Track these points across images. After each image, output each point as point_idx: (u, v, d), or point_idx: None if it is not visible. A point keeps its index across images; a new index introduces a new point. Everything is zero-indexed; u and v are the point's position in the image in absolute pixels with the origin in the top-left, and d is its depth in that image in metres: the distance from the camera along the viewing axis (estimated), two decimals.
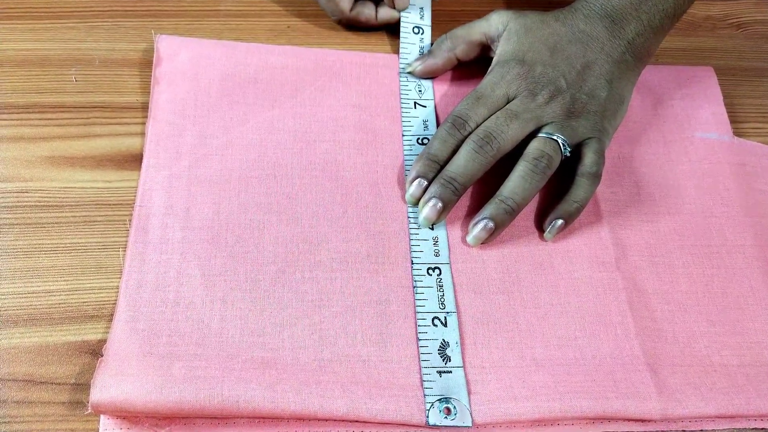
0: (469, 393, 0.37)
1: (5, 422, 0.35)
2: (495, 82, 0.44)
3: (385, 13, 0.52)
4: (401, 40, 0.51)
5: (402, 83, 0.49)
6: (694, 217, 0.46)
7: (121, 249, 0.40)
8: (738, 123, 0.51)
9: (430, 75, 0.50)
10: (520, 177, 0.42)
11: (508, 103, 0.44)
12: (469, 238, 0.42)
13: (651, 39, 0.46)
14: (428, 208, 0.42)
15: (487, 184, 0.44)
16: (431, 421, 0.36)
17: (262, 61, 0.49)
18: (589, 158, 0.43)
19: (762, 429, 0.39)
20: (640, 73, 0.48)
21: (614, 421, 0.38)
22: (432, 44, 0.50)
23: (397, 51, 0.51)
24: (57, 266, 0.39)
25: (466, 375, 0.38)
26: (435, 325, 0.39)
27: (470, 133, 0.43)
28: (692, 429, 0.38)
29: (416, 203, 0.43)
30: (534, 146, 0.43)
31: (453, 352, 0.38)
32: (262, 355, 0.37)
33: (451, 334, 0.39)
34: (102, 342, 0.37)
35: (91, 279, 0.39)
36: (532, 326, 0.40)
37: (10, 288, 0.39)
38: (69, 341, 0.37)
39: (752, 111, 0.53)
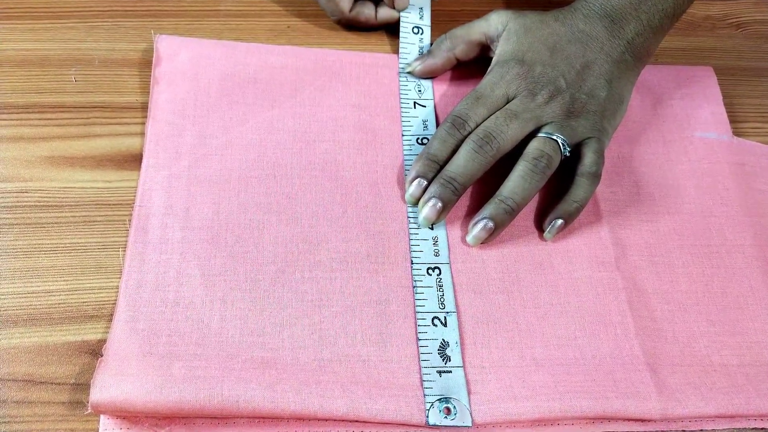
0: (469, 393, 0.37)
1: (5, 422, 0.35)
2: (494, 82, 0.44)
3: (384, 13, 0.52)
4: (401, 40, 0.51)
5: (401, 83, 0.49)
6: (693, 217, 0.46)
7: (120, 249, 0.40)
8: (737, 123, 0.51)
9: (430, 75, 0.50)
10: (520, 177, 0.42)
11: (507, 103, 0.44)
12: (469, 238, 0.42)
13: (650, 39, 0.46)
14: (428, 208, 0.42)
15: (486, 183, 0.44)
16: (431, 421, 0.36)
17: (262, 61, 0.49)
18: (588, 158, 0.43)
19: (762, 429, 0.39)
20: (640, 72, 0.48)
21: (614, 421, 0.38)
22: (431, 44, 0.50)
23: (396, 51, 0.51)
24: (57, 266, 0.39)
25: (466, 375, 0.38)
26: (435, 325, 0.39)
27: (470, 133, 0.43)
28: (692, 429, 0.38)
29: (416, 203, 0.43)
30: (534, 146, 0.43)
31: (453, 351, 0.38)
32: (262, 355, 0.37)
33: (450, 334, 0.39)
34: (102, 342, 0.37)
35: (90, 279, 0.39)
36: (531, 326, 0.40)
37: (10, 288, 0.39)
38: (69, 341, 0.37)
39: (751, 111, 0.53)
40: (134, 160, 0.44)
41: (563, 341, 0.40)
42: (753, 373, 0.40)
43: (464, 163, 0.42)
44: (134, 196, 0.42)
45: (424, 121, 0.48)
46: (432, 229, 0.43)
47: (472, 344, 0.39)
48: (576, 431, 0.37)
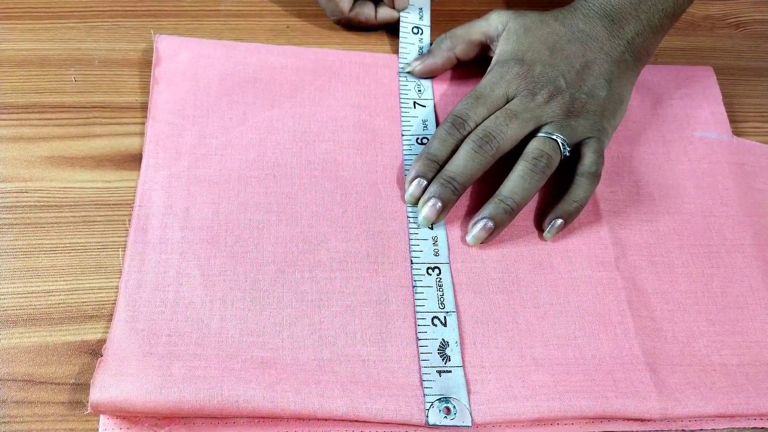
0: (468, 392, 0.37)
1: (5, 422, 0.35)
2: (494, 81, 0.44)
3: (384, 13, 0.52)
4: (400, 40, 0.51)
5: (401, 83, 0.49)
6: (693, 217, 0.46)
7: (120, 249, 0.40)
8: (737, 122, 0.51)
9: (430, 74, 0.50)
10: (520, 176, 0.42)
11: (507, 102, 0.44)
12: (469, 238, 0.42)
13: (650, 38, 0.46)
14: (428, 208, 0.42)
15: (486, 183, 0.44)
16: (431, 421, 0.36)
17: (262, 61, 0.49)
18: (588, 158, 0.43)
19: (762, 428, 0.39)
20: (640, 72, 0.48)
21: (614, 421, 0.38)
22: (431, 44, 0.50)
23: (396, 51, 0.51)
24: (56, 266, 0.39)
25: (465, 374, 0.38)
26: (434, 325, 0.39)
27: (470, 133, 0.43)
28: (692, 428, 0.38)
29: (416, 203, 0.43)
30: (533, 146, 0.43)
31: (452, 351, 0.38)
32: (262, 355, 0.37)
33: (450, 334, 0.39)
34: (101, 342, 0.37)
35: (90, 279, 0.39)
36: (531, 326, 0.40)
37: (10, 288, 0.39)
38: (68, 341, 0.37)
39: (751, 110, 0.53)
40: (134, 160, 0.44)
41: (563, 341, 0.40)
42: (753, 372, 0.40)
43: (464, 162, 0.42)
44: (134, 196, 0.42)
45: (424, 121, 0.48)
46: (432, 228, 0.43)
47: (471, 344, 0.39)
48: (576, 431, 0.37)
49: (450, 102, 0.49)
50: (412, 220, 0.43)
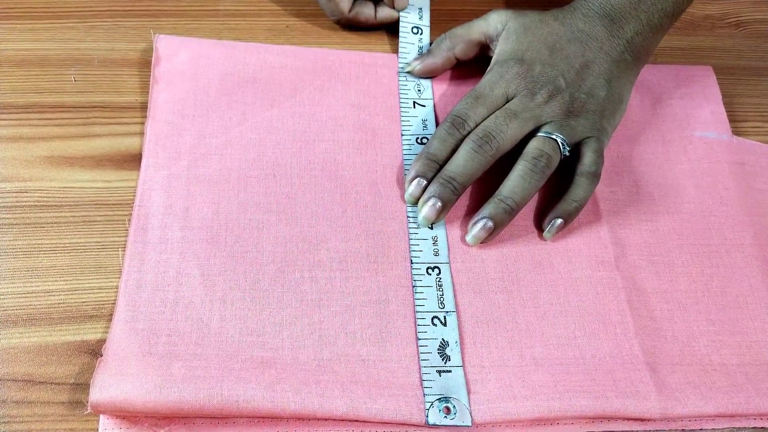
0: (468, 392, 0.37)
1: (4, 422, 0.35)
2: (494, 81, 0.44)
3: (384, 13, 0.52)
4: (400, 39, 0.51)
5: (401, 82, 0.49)
6: (693, 216, 0.46)
7: (120, 249, 0.40)
8: (737, 122, 0.51)
9: (429, 74, 0.50)
10: (520, 176, 0.42)
11: (507, 102, 0.44)
12: (469, 238, 0.42)
13: (650, 38, 0.46)
14: (427, 208, 0.42)
15: (486, 183, 0.44)
16: (431, 421, 0.36)
17: (261, 61, 0.49)
18: (588, 157, 0.43)
19: (762, 428, 0.39)
20: (639, 72, 0.48)
21: (614, 420, 0.38)
22: (431, 44, 0.50)
23: (396, 50, 0.51)
24: (56, 266, 0.39)
25: (465, 374, 0.38)
26: (434, 325, 0.39)
27: (469, 133, 0.43)
28: (692, 428, 0.38)
29: (415, 203, 0.43)
30: (533, 145, 0.43)
31: (452, 351, 0.38)
32: (262, 355, 0.37)
33: (450, 334, 0.39)
34: (101, 342, 0.37)
35: (90, 279, 0.39)
36: (531, 325, 0.40)
37: (9, 288, 0.38)
38: (68, 341, 0.37)
39: (751, 110, 0.53)
40: (134, 160, 0.44)
41: (563, 341, 0.40)
42: (753, 372, 0.40)
43: (464, 162, 0.42)
44: (134, 195, 0.42)
45: (424, 121, 0.48)
46: (431, 228, 0.43)
47: (471, 344, 0.39)
48: (575, 430, 0.37)
49: (449, 102, 0.49)
50: (411, 219, 0.43)
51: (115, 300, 0.38)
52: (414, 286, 0.41)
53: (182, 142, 0.44)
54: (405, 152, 0.46)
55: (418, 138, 0.47)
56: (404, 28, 0.51)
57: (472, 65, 0.50)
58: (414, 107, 0.48)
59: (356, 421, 0.36)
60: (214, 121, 0.45)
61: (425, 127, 0.47)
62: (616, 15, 0.45)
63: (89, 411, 0.34)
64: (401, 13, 0.52)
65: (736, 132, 0.51)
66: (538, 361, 0.39)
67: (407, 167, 0.45)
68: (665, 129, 0.50)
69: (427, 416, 0.36)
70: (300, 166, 0.44)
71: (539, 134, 0.43)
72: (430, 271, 0.41)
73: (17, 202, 0.41)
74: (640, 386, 0.38)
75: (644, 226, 0.45)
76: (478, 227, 0.42)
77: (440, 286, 0.41)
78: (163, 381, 0.34)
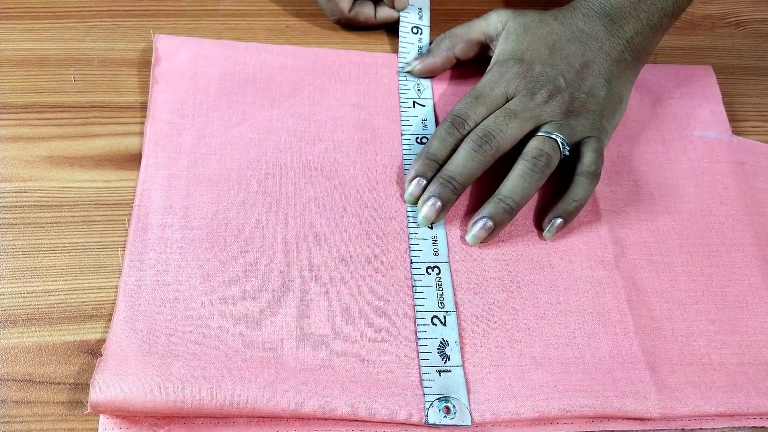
0: (468, 392, 0.37)
1: (4, 422, 0.35)
2: (494, 81, 0.44)
3: (384, 13, 0.52)
4: (400, 39, 0.51)
5: (401, 82, 0.49)
6: (693, 216, 0.46)
7: (120, 248, 0.40)
8: (737, 121, 0.51)
9: (429, 74, 0.50)
10: (519, 176, 0.42)
11: (507, 102, 0.44)
12: (468, 237, 0.42)
13: (650, 38, 0.46)
14: (427, 207, 0.42)
15: (486, 183, 0.44)
16: (430, 420, 0.36)
17: (261, 61, 0.49)
18: (588, 157, 0.43)
19: (762, 427, 0.39)
20: (639, 72, 0.48)
21: (613, 420, 0.38)
22: (431, 44, 0.50)
23: (396, 50, 0.51)
24: (56, 266, 0.39)
25: (465, 374, 0.38)
26: (434, 324, 0.39)
27: (469, 132, 0.43)
28: (692, 427, 0.38)
29: (415, 202, 0.43)
30: (533, 145, 0.43)
31: (452, 351, 0.38)
32: (262, 355, 0.37)
33: (450, 333, 0.39)
34: (101, 342, 0.37)
35: (90, 279, 0.39)
36: (531, 325, 0.40)
37: (9, 288, 0.38)
38: (68, 341, 0.37)
39: (751, 109, 0.53)
40: (133, 160, 0.44)
41: (562, 340, 0.40)
42: (752, 371, 0.40)
43: (463, 162, 0.42)
44: (133, 195, 0.42)
45: (424, 121, 0.48)
46: (431, 228, 0.43)
47: (471, 343, 0.39)
48: (575, 430, 0.37)
49: (449, 101, 0.49)
50: (411, 219, 0.43)
51: (114, 300, 0.38)
52: (414, 286, 0.41)
53: (182, 141, 0.44)
54: (405, 152, 0.46)
55: (417, 138, 0.47)
56: (404, 28, 0.51)
57: (472, 65, 0.50)
58: (414, 107, 0.48)
59: (356, 420, 0.36)
60: (213, 120, 0.45)
61: (425, 126, 0.47)
62: (616, 15, 0.45)
63: (89, 411, 0.34)
64: (401, 13, 0.52)
65: (736, 131, 0.51)
66: (537, 360, 0.39)
67: (407, 167, 0.45)
68: (665, 128, 0.50)
69: (427, 416, 0.36)
70: (300, 166, 0.44)
71: (539, 134, 0.43)
72: (429, 270, 0.41)
73: (17, 202, 0.41)
74: (639, 386, 0.38)
75: (644, 225, 0.45)
76: (477, 227, 0.42)
77: (440, 285, 0.41)
78: (163, 381, 0.34)
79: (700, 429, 0.38)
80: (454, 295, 0.41)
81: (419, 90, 0.49)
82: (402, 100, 0.48)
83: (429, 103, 0.49)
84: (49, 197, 0.42)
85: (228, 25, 0.52)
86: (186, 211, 0.41)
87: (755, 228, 0.46)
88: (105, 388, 0.34)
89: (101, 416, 0.35)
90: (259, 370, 0.36)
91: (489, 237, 0.42)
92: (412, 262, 0.41)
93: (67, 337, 0.37)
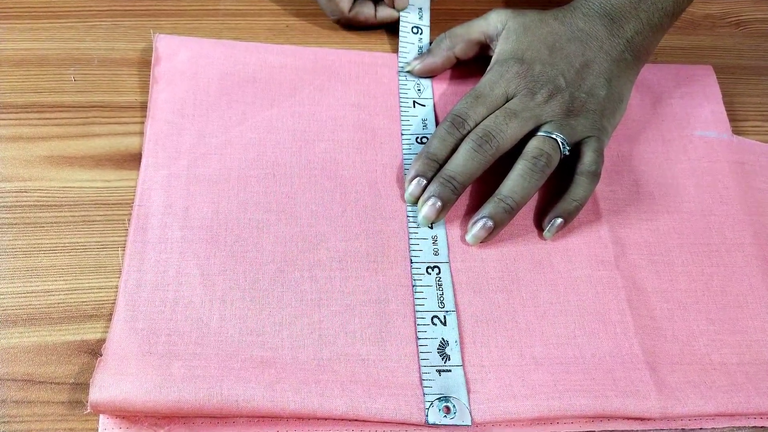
0: (468, 392, 0.37)
1: (4, 422, 0.35)
2: (494, 80, 0.44)
3: (384, 13, 0.52)
4: (400, 39, 0.51)
5: (401, 82, 0.49)
6: (693, 216, 0.46)
7: (120, 248, 0.40)
8: (737, 121, 0.51)
9: (429, 74, 0.50)
10: (519, 176, 0.42)
11: (507, 102, 0.44)
12: (468, 237, 0.42)
13: (650, 37, 0.46)
14: (427, 207, 0.42)
15: (486, 182, 0.44)
16: (430, 420, 0.36)
17: (261, 61, 0.49)
18: (588, 157, 0.43)
19: (762, 427, 0.39)
20: (639, 71, 0.48)
21: (614, 420, 0.38)
22: (431, 43, 0.50)
23: (396, 50, 0.51)
24: (56, 266, 0.39)
25: (465, 374, 0.38)
26: (434, 324, 0.39)
27: (469, 132, 0.43)
28: (692, 427, 0.38)
29: (415, 202, 0.43)
30: (533, 145, 0.43)
31: (452, 350, 0.38)
32: (262, 354, 0.37)
33: (450, 333, 0.39)
34: (101, 341, 0.37)
35: (90, 278, 0.39)
36: (531, 325, 0.40)
37: (9, 287, 0.38)
38: (68, 341, 0.37)
39: (751, 109, 0.53)
40: (133, 160, 0.44)
41: (563, 340, 0.40)
42: (753, 371, 0.40)
43: (463, 162, 0.42)
44: (133, 195, 0.42)
45: (424, 120, 0.48)
46: (431, 228, 0.43)
47: (471, 343, 0.39)
48: (575, 430, 0.37)
49: (449, 101, 0.49)
50: (411, 219, 0.43)
51: (114, 300, 0.38)
52: (414, 286, 0.41)
53: (182, 141, 0.44)
54: (405, 152, 0.46)
55: (418, 137, 0.47)
56: (404, 28, 0.51)
57: (472, 65, 0.50)
58: (414, 107, 0.48)
59: (356, 420, 0.36)
60: (213, 120, 0.45)
61: (425, 126, 0.47)
62: (616, 14, 0.45)
63: (89, 410, 0.34)
64: (401, 13, 0.52)
65: (737, 131, 0.51)
66: (537, 360, 0.39)
67: (407, 167, 0.45)
68: (665, 128, 0.50)
69: (427, 416, 0.36)
70: (300, 166, 0.44)
71: (539, 134, 0.43)
72: (429, 270, 0.41)
73: (17, 201, 0.41)
74: (639, 385, 0.38)
75: (644, 225, 0.45)
76: (477, 227, 0.42)
77: (440, 285, 0.41)
78: (163, 380, 0.34)
79: (700, 429, 0.38)
80: (454, 295, 0.41)
81: (419, 90, 0.49)
82: (402, 99, 0.48)
83: (429, 103, 0.49)
84: (49, 197, 0.42)
85: (228, 25, 0.52)
86: (186, 210, 0.41)
87: (755, 228, 0.46)
88: (105, 387, 0.34)
89: (101, 416, 0.35)
90: (259, 369, 0.36)
91: (489, 237, 0.42)
92: (412, 262, 0.41)
93: (67, 337, 0.37)
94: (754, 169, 0.49)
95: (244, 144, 0.45)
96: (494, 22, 0.47)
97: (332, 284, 0.40)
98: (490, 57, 0.47)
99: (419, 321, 0.39)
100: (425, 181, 0.42)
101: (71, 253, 0.40)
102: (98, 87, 0.47)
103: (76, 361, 0.37)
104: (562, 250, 0.43)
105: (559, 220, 0.43)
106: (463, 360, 0.38)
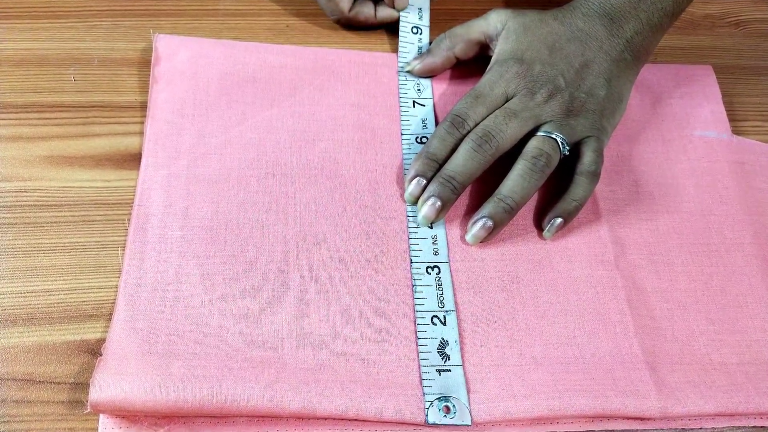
0: (468, 391, 0.37)
1: (4, 422, 0.35)
2: (494, 80, 0.44)
3: (384, 13, 0.52)
4: (400, 39, 0.51)
5: (401, 82, 0.49)
6: (693, 216, 0.46)
7: (120, 248, 0.40)
8: (737, 121, 0.51)
9: (429, 74, 0.50)
10: (519, 176, 0.42)
11: (506, 101, 0.44)
12: (468, 237, 0.42)
13: (650, 37, 0.46)
14: (427, 207, 0.42)
15: (486, 182, 0.44)
16: (430, 420, 0.36)
17: (261, 60, 0.49)
18: (588, 157, 0.43)
19: (762, 427, 0.39)
20: (639, 71, 0.48)
21: (613, 420, 0.38)
22: (430, 43, 0.50)
23: (395, 50, 0.51)
24: (56, 265, 0.39)
25: (465, 373, 0.38)
26: (434, 324, 0.39)
27: (469, 132, 0.43)
28: (692, 427, 0.38)
29: (415, 202, 0.43)
30: (533, 145, 0.43)
31: (452, 350, 0.38)
32: (262, 354, 0.37)
33: (450, 333, 0.39)
34: (101, 341, 0.37)
35: (90, 278, 0.39)
36: (531, 325, 0.40)
37: (9, 287, 0.38)
38: (68, 340, 0.37)
39: (751, 109, 0.53)
40: (133, 160, 0.44)
41: (562, 340, 0.40)
42: (752, 371, 0.40)
43: (463, 161, 0.42)
44: (133, 195, 0.42)
45: (423, 120, 0.48)
46: (431, 227, 0.43)
47: (471, 343, 0.39)
48: (575, 429, 0.37)
49: (449, 101, 0.49)
50: (411, 219, 0.43)
51: (114, 299, 0.38)
52: (414, 286, 0.41)
53: (182, 141, 0.44)
54: (405, 151, 0.46)
55: (417, 137, 0.47)
56: (404, 28, 0.51)
57: (471, 65, 0.50)
58: (414, 106, 0.48)
59: (356, 420, 0.36)
60: (213, 120, 0.45)
61: (425, 126, 0.47)
62: (615, 14, 0.45)
63: (89, 410, 0.34)
64: (401, 13, 0.52)
65: (736, 131, 0.51)
66: (537, 360, 0.39)
67: (407, 166, 0.45)
68: (665, 128, 0.50)
69: (427, 415, 0.36)
70: (299, 166, 0.44)
71: (539, 133, 0.43)
72: (429, 270, 0.41)
73: (17, 201, 0.41)
74: (639, 385, 0.38)
75: (644, 225, 0.45)
76: (477, 226, 0.42)
77: (440, 285, 0.41)
78: (163, 380, 0.34)
79: (700, 429, 0.38)
80: (454, 295, 0.41)
81: (419, 90, 0.49)
82: (402, 99, 0.48)
83: (429, 103, 0.49)
84: (49, 197, 0.42)
85: (228, 25, 0.52)
86: (186, 210, 0.41)
87: (755, 228, 0.46)
88: (105, 387, 0.34)
89: (101, 416, 0.35)
90: (258, 369, 0.36)
91: (489, 237, 0.42)
92: (412, 262, 0.41)
93: (67, 337, 0.37)
94: (754, 169, 0.49)
95: (244, 144, 0.45)
96: (494, 22, 0.47)
97: (332, 284, 0.40)
98: (490, 57, 0.47)
99: (419, 321, 0.39)
100: (425, 181, 0.42)
101: (71, 253, 0.40)
102: (98, 87, 0.47)
103: (76, 360, 0.37)
104: (561, 250, 0.43)
105: (559, 220, 0.43)
106: (462, 360, 0.38)
